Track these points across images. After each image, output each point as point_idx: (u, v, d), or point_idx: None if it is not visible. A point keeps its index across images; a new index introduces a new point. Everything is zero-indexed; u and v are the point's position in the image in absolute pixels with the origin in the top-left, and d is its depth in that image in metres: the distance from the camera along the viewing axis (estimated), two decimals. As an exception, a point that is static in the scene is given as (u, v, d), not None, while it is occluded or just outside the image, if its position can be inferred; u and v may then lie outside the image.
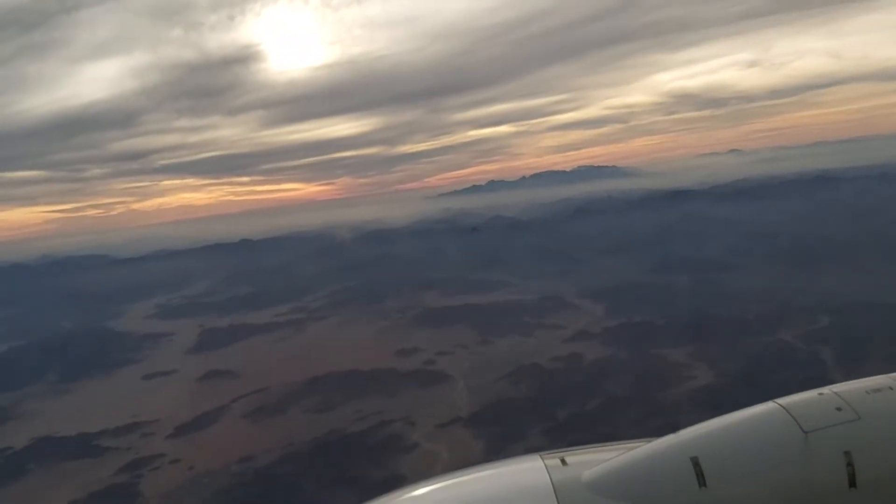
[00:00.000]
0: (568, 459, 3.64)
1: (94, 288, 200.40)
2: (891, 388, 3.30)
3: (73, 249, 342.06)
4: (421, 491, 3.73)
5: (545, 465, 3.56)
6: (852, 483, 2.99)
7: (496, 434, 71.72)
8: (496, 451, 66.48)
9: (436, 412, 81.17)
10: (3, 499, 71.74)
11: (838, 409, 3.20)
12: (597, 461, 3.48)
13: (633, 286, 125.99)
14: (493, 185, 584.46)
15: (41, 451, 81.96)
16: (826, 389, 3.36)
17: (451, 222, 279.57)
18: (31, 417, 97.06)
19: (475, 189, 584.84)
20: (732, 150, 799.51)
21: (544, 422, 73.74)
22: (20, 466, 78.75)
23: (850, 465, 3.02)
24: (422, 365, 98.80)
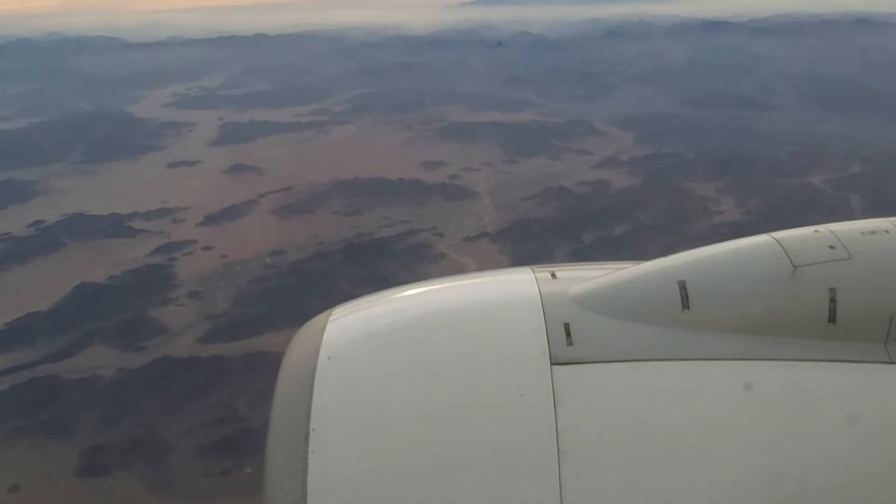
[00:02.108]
0: (558, 274, 3.69)
1: (108, 70, 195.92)
2: (887, 231, 3.27)
3: (81, 29, 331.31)
4: (412, 291, 3.84)
5: (535, 278, 3.63)
6: (832, 318, 3.06)
7: (522, 251, 73.03)
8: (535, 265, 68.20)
9: (462, 225, 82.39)
10: (43, 269, 74.13)
11: (831, 247, 3.19)
12: (586, 277, 3.54)
13: (664, 117, 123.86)
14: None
15: (74, 226, 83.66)
16: (822, 227, 3.33)
17: (474, 34, 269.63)
18: (60, 194, 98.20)
19: (499, 0, 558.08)
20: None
21: (571, 243, 75.07)
22: (56, 240, 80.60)
23: (832, 301, 3.06)
24: (447, 179, 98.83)
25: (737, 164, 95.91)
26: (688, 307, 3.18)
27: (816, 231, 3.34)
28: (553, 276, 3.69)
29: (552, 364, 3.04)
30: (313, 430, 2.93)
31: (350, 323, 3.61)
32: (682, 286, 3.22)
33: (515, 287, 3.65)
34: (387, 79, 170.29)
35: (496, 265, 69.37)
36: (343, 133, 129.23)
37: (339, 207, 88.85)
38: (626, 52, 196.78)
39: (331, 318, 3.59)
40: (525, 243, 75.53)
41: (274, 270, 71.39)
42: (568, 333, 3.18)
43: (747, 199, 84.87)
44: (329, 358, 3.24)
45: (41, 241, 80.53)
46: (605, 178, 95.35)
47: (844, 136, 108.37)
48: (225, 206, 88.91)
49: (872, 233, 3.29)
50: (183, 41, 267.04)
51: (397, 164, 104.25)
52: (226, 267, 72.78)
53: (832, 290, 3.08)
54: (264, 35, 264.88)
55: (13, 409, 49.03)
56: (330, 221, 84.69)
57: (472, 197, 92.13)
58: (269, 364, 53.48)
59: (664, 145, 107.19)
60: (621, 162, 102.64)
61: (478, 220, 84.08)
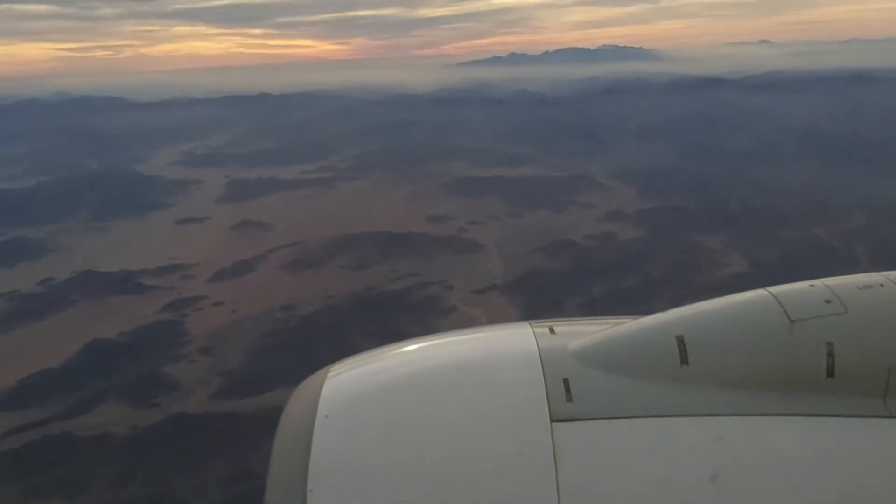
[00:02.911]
0: (556, 329, 3.72)
1: (115, 130, 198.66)
2: (882, 286, 3.31)
3: (86, 89, 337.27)
4: (410, 347, 3.83)
5: (533, 332, 3.66)
6: (830, 373, 3.08)
7: (532, 304, 73.21)
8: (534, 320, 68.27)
9: (471, 278, 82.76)
10: (54, 326, 74.21)
11: (827, 301, 3.21)
12: (585, 332, 3.58)
13: (666, 171, 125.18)
14: (515, 58, 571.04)
15: (84, 284, 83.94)
16: (818, 282, 3.36)
17: (474, 92, 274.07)
18: (69, 252, 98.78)
19: (497, 60, 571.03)
20: (763, 41, 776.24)
21: (580, 296, 75.36)
22: (66, 297, 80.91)
23: (830, 355, 3.08)
24: (454, 232, 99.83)
25: (741, 216, 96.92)
26: (686, 362, 3.21)
27: (812, 285, 3.36)
28: (551, 331, 3.71)
29: (552, 421, 3.03)
30: (311, 490, 2.89)
31: (348, 380, 3.61)
32: (681, 341, 3.26)
33: (514, 343, 3.66)
34: (390, 136, 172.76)
35: (507, 318, 69.49)
36: (349, 189, 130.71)
37: (347, 262, 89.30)
38: (624, 109, 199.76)
39: (329, 375, 3.58)
40: (535, 296, 75.75)
41: (284, 325, 71.50)
42: (567, 389, 3.19)
43: (754, 252, 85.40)
44: (327, 416, 3.21)
45: (51, 299, 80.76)
46: (611, 231, 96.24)
47: (846, 188, 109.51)
48: (234, 262, 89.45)
49: (868, 287, 3.32)
50: (188, 101, 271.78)
51: (404, 218, 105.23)
52: (236, 322, 72.92)
53: (830, 345, 3.11)
54: (268, 94, 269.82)
55: (27, 468, 48.51)
56: (339, 275, 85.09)
57: (479, 250, 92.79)
58: (284, 419, 53.14)
59: (668, 199, 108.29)
60: (626, 215, 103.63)
61: (486, 273, 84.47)
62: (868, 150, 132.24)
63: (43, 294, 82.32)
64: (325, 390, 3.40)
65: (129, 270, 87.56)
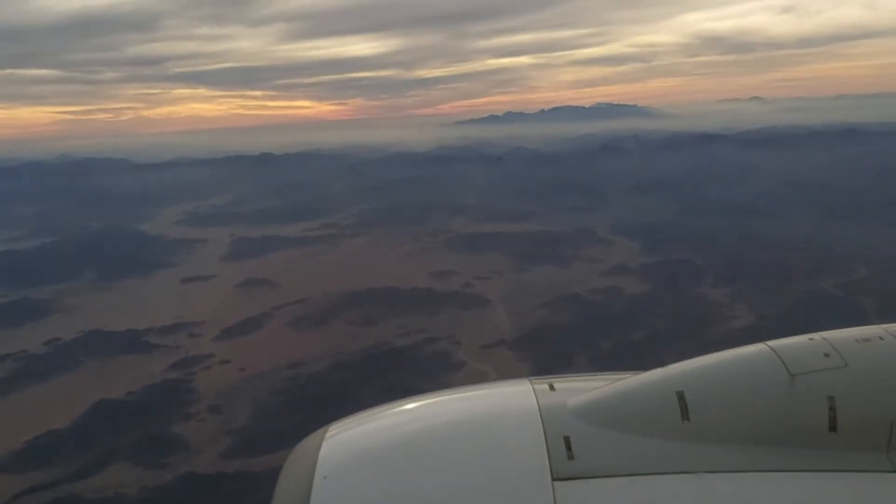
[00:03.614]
0: (556, 385, 3.80)
1: (118, 191, 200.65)
2: (880, 339, 3.38)
3: (88, 151, 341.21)
4: (409, 406, 3.88)
5: (533, 389, 3.73)
6: (832, 427, 3.10)
7: (541, 359, 73.06)
8: (544, 375, 67.96)
9: (479, 333, 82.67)
10: (61, 386, 73.64)
11: (826, 354, 3.28)
12: (584, 389, 3.66)
13: (667, 225, 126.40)
14: (511, 117, 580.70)
15: (91, 344, 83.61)
16: (817, 335, 3.45)
17: (472, 150, 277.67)
18: (75, 312, 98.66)
19: (493, 119, 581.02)
20: (754, 98, 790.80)
21: (589, 350, 75.18)
22: (72, 357, 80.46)
23: (832, 409, 3.11)
24: (459, 288, 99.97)
25: (746, 270, 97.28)
26: (687, 418, 3.23)
27: (811, 339, 3.40)
28: (551, 387, 3.76)
29: (553, 480, 3.01)
30: None
31: (346, 440, 3.59)
32: (681, 397, 3.29)
33: (514, 400, 3.69)
34: (392, 193, 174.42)
35: (516, 373, 69.05)
36: (353, 246, 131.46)
37: (354, 318, 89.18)
38: (622, 165, 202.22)
39: (327, 434, 3.57)
40: (543, 351, 75.59)
41: (293, 382, 71.07)
42: (568, 447, 3.17)
43: (760, 305, 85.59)
44: (325, 478, 3.18)
45: (58, 359, 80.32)
46: (617, 285, 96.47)
47: (847, 240, 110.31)
48: (240, 320, 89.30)
49: (867, 340, 3.36)
50: (190, 161, 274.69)
51: (408, 274, 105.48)
52: (245, 380, 72.51)
53: (831, 399, 3.12)
54: (270, 154, 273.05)
55: (36, 531, 47.71)
56: (346, 332, 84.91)
57: (485, 305, 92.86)
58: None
59: (671, 252, 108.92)
60: (631, 269, 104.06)
61: (493, 328, 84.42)
62: (863, 203, 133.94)
63: (49, 354, 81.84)
64: (324, 450, 3.39)
65: (135, 329, 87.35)
